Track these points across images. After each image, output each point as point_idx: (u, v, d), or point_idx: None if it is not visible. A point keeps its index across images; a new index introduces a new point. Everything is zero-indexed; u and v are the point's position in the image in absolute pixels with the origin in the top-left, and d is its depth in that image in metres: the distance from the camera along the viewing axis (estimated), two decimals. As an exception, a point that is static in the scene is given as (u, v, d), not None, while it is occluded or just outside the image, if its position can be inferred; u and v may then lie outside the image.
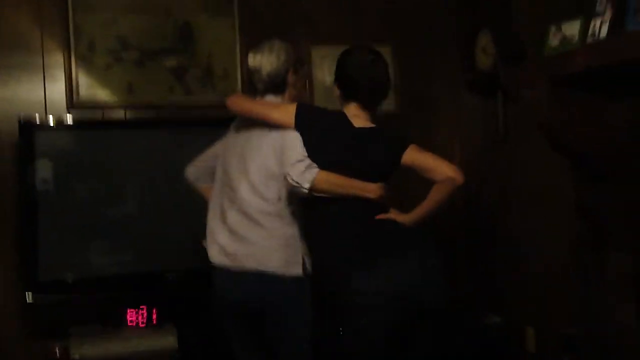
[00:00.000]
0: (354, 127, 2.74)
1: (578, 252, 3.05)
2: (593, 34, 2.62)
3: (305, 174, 2.63)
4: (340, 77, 2.81)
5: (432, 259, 2.67)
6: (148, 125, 3.65)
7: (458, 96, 4.07)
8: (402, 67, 4.03)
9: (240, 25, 3.79)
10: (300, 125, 2.71)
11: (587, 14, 2.67)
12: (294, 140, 2.70)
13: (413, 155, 2.71)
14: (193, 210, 3.32)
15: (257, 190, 2.75)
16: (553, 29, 2.86)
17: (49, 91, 3.57)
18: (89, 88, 3.61)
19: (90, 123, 3.56)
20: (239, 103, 2.87)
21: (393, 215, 2.71)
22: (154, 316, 3.45)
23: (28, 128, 3.35)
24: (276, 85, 2.83)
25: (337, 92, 2.83)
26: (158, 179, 3.58)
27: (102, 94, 3.63)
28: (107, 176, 3.52)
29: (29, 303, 3.34)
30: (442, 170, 2.65)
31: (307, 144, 2.69)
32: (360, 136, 2.72)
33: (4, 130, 3.45)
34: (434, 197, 2.67)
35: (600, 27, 2.60)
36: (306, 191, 2.64)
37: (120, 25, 3.64)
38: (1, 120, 3.47)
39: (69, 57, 3.57)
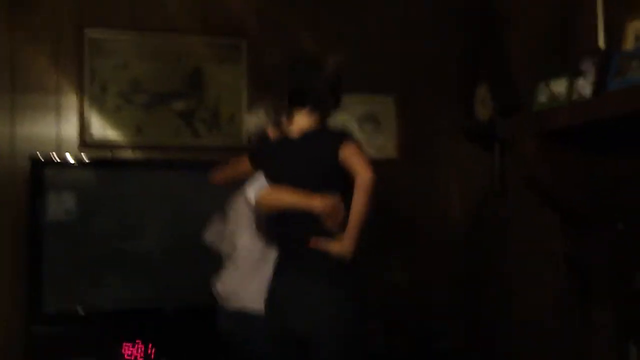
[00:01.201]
0: (291, 138, 2.72)
1: (564, 302, 3.11)
2: (578, 92, 2.72)
3: (256, 192, 2.75)
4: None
5: (328, 294, 2.55)
6: (154, 165, 3.78)
7: (458, 146, 4.17)
8: (404, 117, 4.16)
9: (248, 72, 3.94)
10: (257, 165, 2.84)
11: (573, 73, 2.78)
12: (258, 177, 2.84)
13: (346, 153, 2.54)
14: (194, 248, 3.46)
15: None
16: (542, 85, 2.97)
17: (62, 131, 3.71)
18: (100, 128, 3.76)
19: (98, 161, 3.68)
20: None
21: (326, 244, 2.56)
22: (151, 351, 3.53)
23: (39, 165, 3.49)
24: None
25: None
26: (164, 218, 3.69)
27: (112, 135, 3.78)
28: (113, 213, 3.63)
29: (32, 334, 3.45)
30: (359, 172, 2.50)
31: (265, 174, 2.78)
32: (299, 143, 2.68)
33: (18, 167, 3.58)
34: (354, 208, 2.50)
35: (586, 85, 2.71)
36: (253, 205, 2.76)
37: (132, 69, 3.80)
38: (16, 158, 3.60)
39: (82, 99, 3.73)
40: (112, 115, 3.77)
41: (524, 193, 3.48)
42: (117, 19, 3.82)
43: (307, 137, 2.67)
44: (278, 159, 2.74)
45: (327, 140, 2.60)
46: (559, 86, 2.85)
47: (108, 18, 3.80)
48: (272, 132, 2.90)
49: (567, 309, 3.08)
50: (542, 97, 2.94)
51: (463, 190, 4.18)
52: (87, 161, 3.64)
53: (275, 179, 2.71)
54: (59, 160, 3.56)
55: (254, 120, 2.99)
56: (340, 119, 4.04)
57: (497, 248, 3.82)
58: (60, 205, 3.53)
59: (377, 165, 3.96)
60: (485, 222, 3.93)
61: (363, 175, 2.47)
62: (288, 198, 2.61)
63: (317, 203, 2.53)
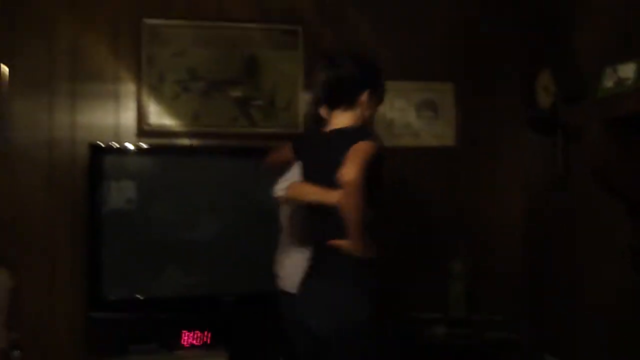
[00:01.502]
0: (323, 132, 2.70)
1: (629, 296, 3.00)
2: (647, 77, 2.61)
3: (282, 186, 2.80)
4: None
5: (342, 292, 2.53)
6: (212, 153, 3.79)
7: (519, 135, 4.06)
8: (464, 104, 4.08)
9: (304, 59, 3.91)
10: (297, 157, 2.84)
11: (643, 57, 2.66)
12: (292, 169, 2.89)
13: (351, 150, 2.47)
14: (254, 236, 3.46)
15: None
16: (609, 70, 2.85)
17: (120, 119, 3.76)
18: (158, 116, 3.78)
19: (156, 148, 3.70)
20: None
21: (342, 242, 2.52)
22: (209, 338, 3.55)
23: (98, 153, 3.53)
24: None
25: None
26: (221, 205, 3.70)
27: (170, 122, 3.80)
28: (171, 201, 3.66)
29: (92, 320, 3.50)
30: (343, 170, 2.42)
31: (300, 166, 2.78)
32: (328, 140, 2.65)
33: (77, 155, 3.65)
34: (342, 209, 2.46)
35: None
36: (276, 198, 2.82)
37: (189, 57, 3.81)
38: (75, 145, 3.67)
39: (140, 87, 3.76)
40: (169, 103, 3.79)
41: (589, 182, 3.35)
42: (174, 7, 3.83)
43: (335, 134, 2.64)
44: (309, 153, 2.74)
45: (347, 139, 2.53)
46: (627, 71, 2.73)
47: (165, 6, 3.82)
48: (324, 115, 2.84)
49: (632, 304, 2.96)
50: (609, 83, 2.82)
51: (525, 179, 4.07)
52: (145, 148, 3.67)
53: (304, 172, 2.72)
54: (117, 147, 3.60)
55: (310, 102, 2.96)
56: (398, 106, 4.02)
57: (560, 240, 3.70)
58: (119, 192, 3.57)
59: (436, 153, 4.02)
60: (549, 212, 3.82)
61: (343, 174, 2.41)
62: (309, 193, 2.62)
63: (333, 198, 2.48)
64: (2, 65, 3.59)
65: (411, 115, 4.06)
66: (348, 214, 2.43)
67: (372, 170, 2.46)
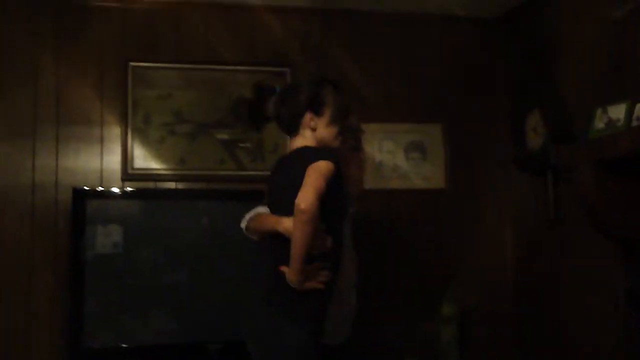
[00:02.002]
0: (282, 156, 2.74)
1: (624, 343, 2.94)
2: (638, 118, 2.59)
3: (247, 218, 2.78)
4: None
5: (275, 321, 2.47)
6: (198, 196, 3.74)
7: (508, 176, 4.03)
8: (453, 146, 4.05)
9: (292, 102, 3.88)
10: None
11: (633, 98, 2.65)
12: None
13: (307, 171, 2.39)
14: (242, 280, 3.38)
15: None
16: (599, 111, 2.84)
17: (105, 162, 3.70)
18: (144, 159, 3.73)
19: (140, 192, 3.66)
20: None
21: (285, 269, 2.44)
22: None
23: (81, 197, 3.46)
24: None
25: None
26: (208, 249, 3.62)
27: (156, 165, 3.74)
28: (156, 245, 3.59)
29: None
30: (298, 196, 2.33)
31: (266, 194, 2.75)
32: (284, 161, 2.64)
33: (60, 199, 3.58)
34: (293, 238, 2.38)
35: (646, 111, 2.58)
36: (244, 232, 2.76)
37: (175, 99, 3.78)
38: (59, 189, 3.60)
39: (126, 130, 3.71)
40: (155, 146, 3.74)
41: (580, 223, 3.32)
42: (160, 50, 3.81)
43: (292, 155, 2.60)
44: (271, 178, 2.70)
45: (302, 158, 2.46)
46: (617, 112, 2.72)
47: (151, 49, 3.80)
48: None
49: (628, 351, 2.90)
50: (599, 124, 2.81)
51: (515, 221, 4.03)
52: (129, 191, 3.61)
53: (268, 197, 2.69)
54: (101, 190, 3.54)
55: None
56: (386, 149, 4.00)
57: (552, 282, 3.65)
58: (102, 237, 3.50)
59: (425, 195, 3.99)
60: (539, 254, 3.77)
61: (298, 201, 2.31)
62: (264, 223, 2.59)
63: (283, 226, 2.44)
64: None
65: (400, 157, 4.03)
66: (294, 242, 2.35)
67: (330, 190, 2.39)
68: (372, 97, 3.98)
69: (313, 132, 2.60)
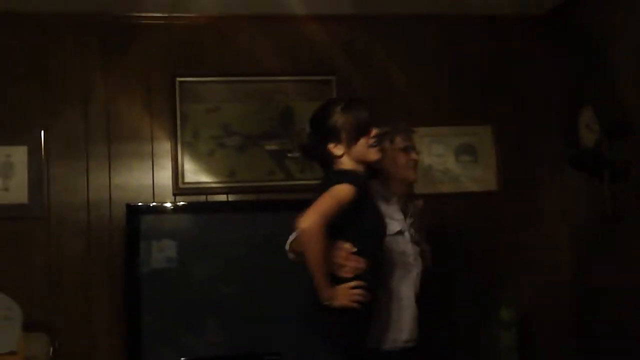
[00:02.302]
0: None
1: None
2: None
3: (290, 240, 2.68)
4: None
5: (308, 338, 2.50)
6: (249, 208, 3.75)
7: (562, 175, 3.95)
8: (503, 147, 3.99)
9: (339, 109, 3.86)
10: None
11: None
12: None
13: (320, 195, 2.41)
14: (292, 293, 3.35)
15: None
16: (656, 103, 2.75)
17: (156, 178, 3.74)
18: (194, 173, 3.75)
19: (192, 205, 3.69)
20: None
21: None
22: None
23: (135, 212, 3.51)
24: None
25: None
26: (261, 260, 3.60)
27: (206, 179, 3.76)
28: (210, 258, 3.60)
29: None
30: (302, 217, 2.36)
31: None
32: (317, 186, 2.58)
33: (115, 216, 3.63)
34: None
35: None
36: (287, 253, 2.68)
37: (224, 112, 3.80)
38: (113, 206, 3.66)
39: (176, 145, 3.74)
40: (205, 159, 3.77)
41: (638, 221, 3.23)
42: (206, 64, 3.84)
43: (322, 179, 2.58)
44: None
45: (327, 181, 2.48)
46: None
47: (197, 64, 3.83)
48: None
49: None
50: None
51: (571, 221, 3.94)
52: (180, 205, 3.65)
53: None
54: (154, 205, 3.57)
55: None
56: (436, 152, 3.95)
57: (610, 282, 3.55)
58: (157, 252, 3.53)
59: (477, 198, 3.92)
60: (597, 254, 3.68)
61: (298, 221, 2.35)
62: (299, 244, 2.52)
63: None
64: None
65: (450, 160, 3.98)
66: (306, 261, 2.37)
67: (354, 211, 2.39)
68: (419, 102, 3.94)
69: (344, 156, 2.56)
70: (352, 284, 2.43)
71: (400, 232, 2.80)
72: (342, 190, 2.39)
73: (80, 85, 3.73)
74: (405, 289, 2.79)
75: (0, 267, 3.53)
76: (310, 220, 2.32)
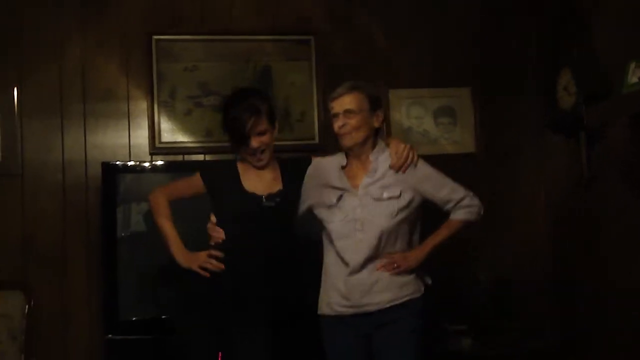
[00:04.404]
0: None
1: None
2: (673, 70, 2.51)
3: None
4: None
5: None
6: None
7: (540, 138, 3.95)
8: (482, 109, 3.98)
9: (317, 70, 3.85)
10: None
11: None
12: None
13: None
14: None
15: None
16: (632, 65, 2.76)
17: (133, 137, 3.71)
18: (171, 133, 3.73)
19: (169, 165, 3.66)
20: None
21: None
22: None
23: (111, 171, 3.48)
24: None
25: None
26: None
27: (183, 139, 3.74)
28: (186, 218, 3.59)
29: (110, 342, 3.41)
30: None
31: None
32: None
33: (90, 175, 3.61)
34: None
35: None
36: None
37: (201, 72, 3.76)
38: (88, 166, 3.63)
39: (152, 104, 3.71)
40: (182, 119, 3.74)
41: (615, 183, 3.25)
42: (184, 22, 3.80)
43: None
44: None
45: None
46: (652, 65, 2.64)
47: (175, 22, 3.79)
48: None
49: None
50: (633, 78, 2.73)
51: (548, 183, 3.96)
52: (158, 165, 3.62)
53: None
54: (130, 164, 3.55)
55: None
56: (415, 114, 3.94)
57: (586, 242, 3.59)
58: (133, 211, 3.51)
59: (455, 160, 3.92)
60: (574, 215, 3.70)
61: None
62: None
63: None
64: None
65: (429, 122, 3.97)
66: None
67: (208, 192, 2.95)
68: (399, 63, 3.93)
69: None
70: (206, 253, 2.78)
71: (334, 205, 2.81)
72: (192, 177, 2.94)
73: (56, 43, 3.67)
74: (348, 255, 2.78)
75: (-25, 225, 3.50)
76: (154, 193, 2.94)
